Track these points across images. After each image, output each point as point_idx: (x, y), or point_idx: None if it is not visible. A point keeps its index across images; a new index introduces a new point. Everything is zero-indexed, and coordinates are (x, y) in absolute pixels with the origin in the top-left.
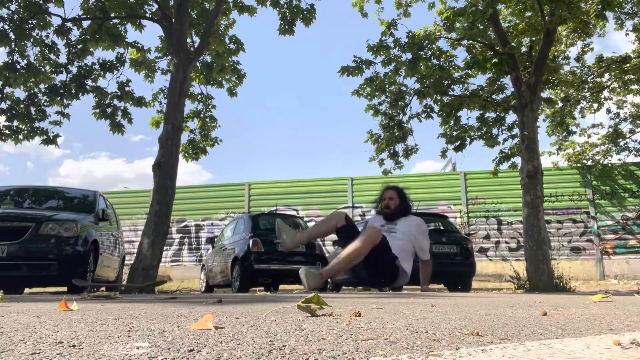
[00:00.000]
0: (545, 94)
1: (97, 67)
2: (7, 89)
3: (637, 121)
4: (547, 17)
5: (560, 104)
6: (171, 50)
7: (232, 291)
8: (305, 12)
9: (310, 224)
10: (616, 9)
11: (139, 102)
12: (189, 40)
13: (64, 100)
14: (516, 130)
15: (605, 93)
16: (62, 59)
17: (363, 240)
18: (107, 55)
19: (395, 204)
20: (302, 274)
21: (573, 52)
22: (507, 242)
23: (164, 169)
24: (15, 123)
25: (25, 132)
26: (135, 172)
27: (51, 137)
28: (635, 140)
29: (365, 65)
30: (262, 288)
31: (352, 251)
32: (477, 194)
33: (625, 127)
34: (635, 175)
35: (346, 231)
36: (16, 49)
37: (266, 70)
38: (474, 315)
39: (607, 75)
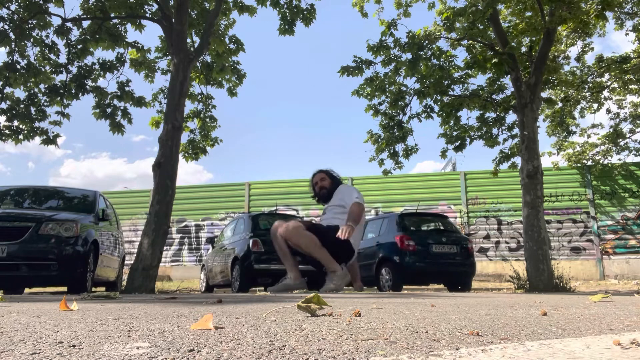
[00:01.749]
0: (545, 94)
1: (97, 67)
2: (7, 89)
3: (637, 121)
4: (547, 17)
5: (560, 104)
6: (171, 50)
7: (232, 291)
8: (305, 12)
9: None
10: (616, 9)
11: (139, 102)
12: (189, 40)
13: (64, 100)
14: (516, 130)
15: (605, 93)
16: (62, 59)
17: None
18: (107, 55)
19: (329, 183)
20: (328, 290)
21: (573, 52)
22: (507, 242)
23: (164, 169)
24: (15, 123)
25: (25, 132)
26: (135, 172)
27: (51, 137)
28: (635, 140)
29: (365, 65)
30: (262, 288)
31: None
32: (477, 194)
33: (625, 127)
34: (635, 175)
35: (314, 229)
36: (16, 49)
37: (266, 70)
38: (474, 315)
39: (607, 75)
